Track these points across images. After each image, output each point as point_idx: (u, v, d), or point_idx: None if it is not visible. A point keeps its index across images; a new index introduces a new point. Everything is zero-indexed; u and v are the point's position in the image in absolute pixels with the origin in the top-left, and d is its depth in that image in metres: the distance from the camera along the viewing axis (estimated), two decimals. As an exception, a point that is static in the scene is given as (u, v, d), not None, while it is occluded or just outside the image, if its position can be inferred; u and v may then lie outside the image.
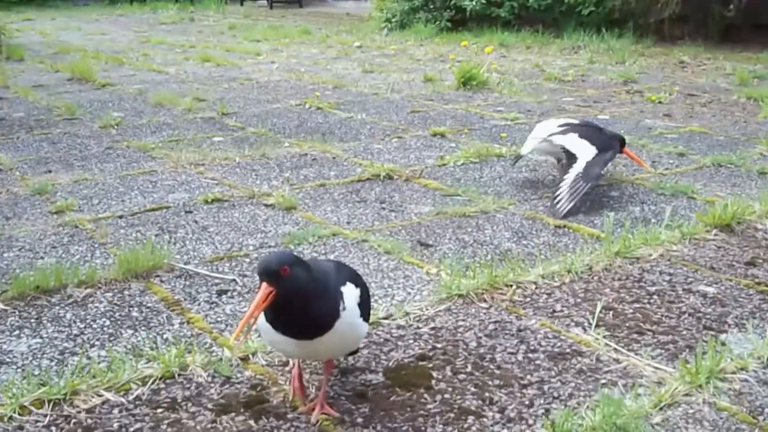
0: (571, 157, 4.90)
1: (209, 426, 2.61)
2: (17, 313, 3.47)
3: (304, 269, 2.42)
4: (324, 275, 2.51)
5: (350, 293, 2.54)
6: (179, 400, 2.77)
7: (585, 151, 4.89)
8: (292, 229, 4.33)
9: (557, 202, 4.67)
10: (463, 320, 3.30)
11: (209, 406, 2.72)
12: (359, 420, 2.62)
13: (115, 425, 2.64)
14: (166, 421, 2.65)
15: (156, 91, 9.02)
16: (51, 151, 6.47)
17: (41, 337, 3.25)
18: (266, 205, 4.80)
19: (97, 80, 10.00)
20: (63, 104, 8.42)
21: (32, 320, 3.39)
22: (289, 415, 2.66)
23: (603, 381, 2.85)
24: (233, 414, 2.67)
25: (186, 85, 9.66)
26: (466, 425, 2.59)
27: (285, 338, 2.49)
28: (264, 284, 2.35)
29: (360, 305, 2.58)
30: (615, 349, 3.07)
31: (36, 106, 8.65)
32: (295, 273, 2.39)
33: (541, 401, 2.73)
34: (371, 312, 2.93)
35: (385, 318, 3.29)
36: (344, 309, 2.48)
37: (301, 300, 2.40)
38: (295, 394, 2.76)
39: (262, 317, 2.49)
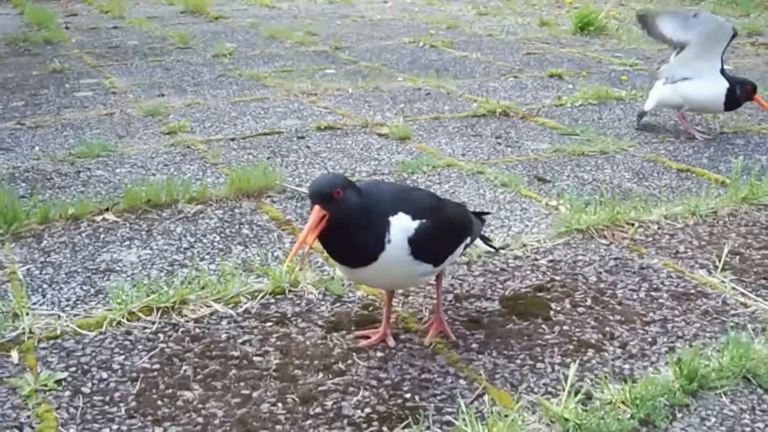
0: None
1: (319, 342, 2.53)
2: (128, 225, 3.44)
3: (355, 192, 2.25)
4: (375, 201, 2.29)
5: (400, 225, 2.28)
6: (289, 316, 2.69)
7: None
8: (406, 158, 4.22)
9: None
10: (583, 255, 3.16)
11: (319, 322, 2.64)
12: (474, 345, 2.52)
13: (223, 336, 2.58)
14: (275, 335, 2.57)
15: (268, 25, 8.98)
16: (164, 77, 6.47)
17: (151, 249, 3.21)
18: (379, 135, 4.70)
19: (209, 13, 10.01)
20: (176, 34, 8.44)
21: (143, 232, 3.36)
22: (402, 336, 2.56)
23: (730, 324, 2.68)
24: (344, 332, 2.59)
25: (298, 20, 9.60)
26: (585, 358, 2.46)
27: (337, 263, 2.36)
28: (316, 207, 2.17)
29: (416, 241, 2.29)
30: (742, 293, 2.90)
31: (150, 35, 8.69)
32: (348, 196, 2.21)
33: (665, 339, 2.59)
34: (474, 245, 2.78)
35: (502, 248, 3.16)
36: (389, 242, 2.26)
37: (350, 226, 2.22)
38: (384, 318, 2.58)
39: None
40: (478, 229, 2.70)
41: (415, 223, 2.28)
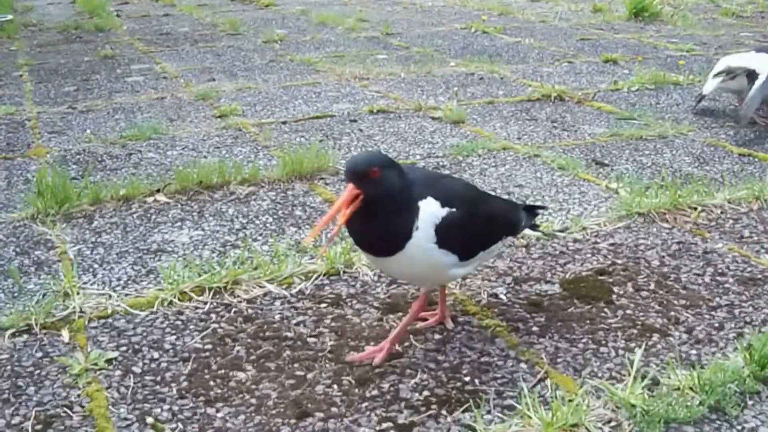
0: (752, 77, 4.53)
1: (375, 323, 2.47)
2: (179, 206, 3.40)
3: (397, 174, 2.09)
4: (408, 185, 2.12)
5: (429, 211, 2.12)
6: (344, 297, 2.63)
7: (766, 62, 4.52)
8: (461, 142, 4.14)
9: (746, 106, 4.35)
10: (644, 239, 3.06)
11: (375, 304, 2.58)
12: (534, 329, 2.44)
13: (277, 316, 2.52)
14: (329, 316, 2.51)
15: (318, 12, 8.94)
16: (215, 62, 6.44)
17: (203, 230, 3.16)
18: (433, 118, 4.63)
19: (260, 0, 9.97)
20: (226, 21, 8.42)
21: (194, 213, 3.31)
22: (460, 319, 2.49)
23: (800, 310, 2.58)
24: (400, 314, 2.52)
25: (349, 7, 9.54)
26: (650, 342, 2.37)
27: (362, 251, 2.22)
28: (350, 186, 2.02)
29: (443, 231, 2.13)
30: (811, 279, 2.79)
31: (200, 22, 8.67)
32: (387, 177, 2.06)
33: (732, 325, 2.49)
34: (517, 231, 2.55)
35: (561, 231, 3.09)
36: (417, 229, 2.10)
37: (383, 210, 2.07)
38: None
39: None
40: (525, 224, 2.53)
41: (444, 210, 2.13)
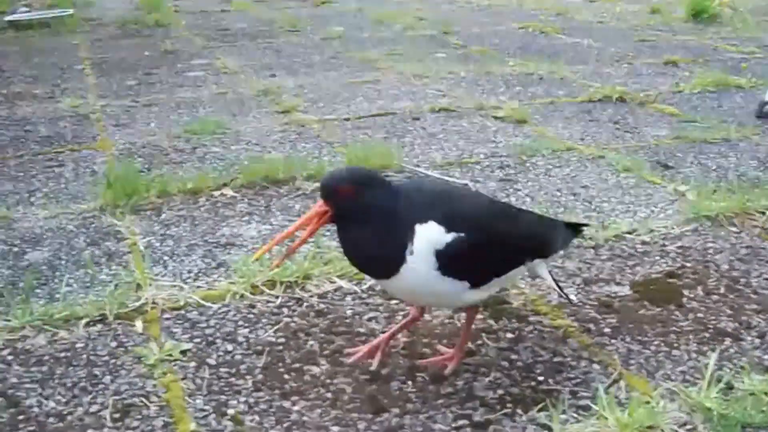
0: None
1: (447, 321, 2.48)
2: (246, 200, 3.43)
3: (378, 192, 1.97)
4: (406, 205, 1.98)
5: (426, 236, 1.96)
6: (416, 295, 2.62)
7: None
8: (524, 141, 4.14)
9: None
10: (713, 242, 3.04)
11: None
12: (606, 330, 2.43)
13: (348, 312, 2.54)
14: (401, 313, 2.52)
15: (375, 9, 8.97)
16: (274, 58, 6.48)
17: (270, 224, 3.19)
18: (495, 117, 4.63)
19: (316, -3, 10.04)
20: (284, 18, 8.48)
21: (261, 208, 3.34)
22: (531, 318, 2.48)
23: None
24: (471, 312, 2.51)
25: (404, 4, 9.56)
26: (723, 347, 2.35)
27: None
28: (320, 201, 1.98)
29: (445, 255, 1.98)
30: None
31: (257, 19, 8.73)
32: (362, 195, 1.95)
33: (804, 331, 2.46)
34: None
35: (629, 233, 3.08)
36: (411, 253, 1.95)
37: (359, 230, 1.98)
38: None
39: None
40: (562, 244, 2.38)
41: (449, 237, 1.97)
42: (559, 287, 2.41)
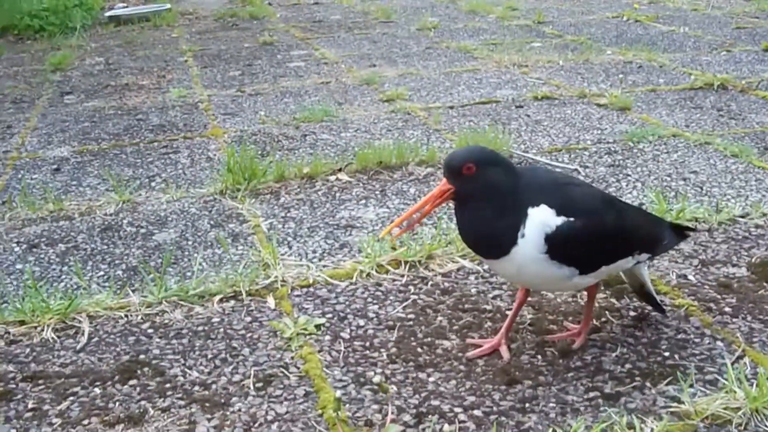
0: None
1: (570, 300, 2.57)
2: (361, 185, 3.52)
3: (499, 173, 2.02)
4: (522, 188, 2.04)
5: (539, 219, 2.01)
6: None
7: None
8: (629, 128, 4.18)
9: None
10: (828, 226, 3.05)
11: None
12: (727, 309, 2.47)
13: (473, 290, 2.62)
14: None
15: (467, 0, 8.97)
16: (372, 49, 6.57)
17: (387, 207, 3.28)
18: (598, 105, 4.66)
19: (408, -12, 10.10)
20: (377, 9, 8.55)
21: (377, 192, 3.43)
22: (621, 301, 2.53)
23: None
24: (601, 294, 2.56)
25: (496, -5, 9.56)
26: None
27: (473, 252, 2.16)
28: (444, 180, 2.03)
29: (555, 240, 2.01)
30: None
31: (351, 10, 8.83)
32: (483, 175, 2.00)
33: None
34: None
35: (742, 216, 3.11)
36: (522, 236, 2.00)
37: (475, 210, 2.02)
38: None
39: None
40: (669, 244, 2.39)
41: (559, 220, 2.01)
42: (655, 294, 2.43)
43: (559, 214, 2.01)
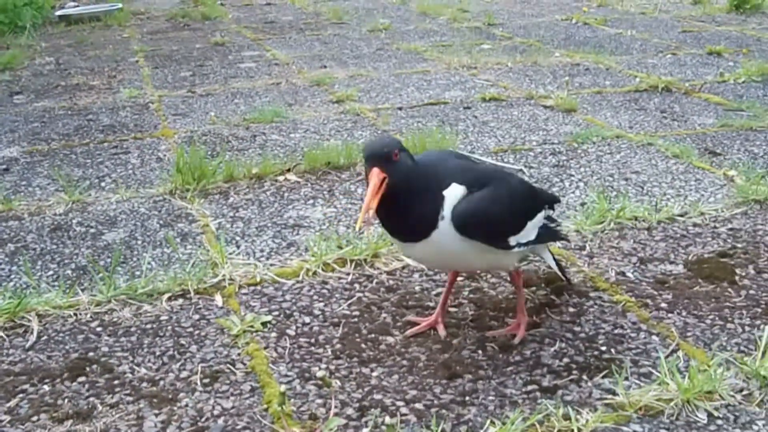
0: None
1: (511, 296, 2.61)
2: (309, 185, 3.57)
3: (409, 157, 2.08)
4: (432, 170, 2.12)
5: (453, 196, 2.09)
6: (479, 273, 2.76)
7: None
8: (575, 129, 4.26)
9: None
10: (762, 224, 3.16)
11: (509, 279, 2.70)
12: (663, 305, 2.55)
13: (417, 287, 2.68)
14: (467, 289, 2.66)
15: (419, 1, 9.07)
16: (323, 50, 6.62)
17: (335, 207, 3.33)
18: (545, 107, 4.74)
19: (359, -10, 10.17)
20: (329, 10, 8.61)
21: (324, 192, 3.48)
22: (592, 294, 2.61)
23: None
24: (534, 288, 2.65)
25: (447, -3, 9.66)
26: (775, 321, 2.46)
27: (390, 236, 2.18)
28: (375, 170, 2.00)
29: (461, 214, 2.09)
30: None
31: (303, 11, 8.87)
32: (404, 159, 2.05)
33: None
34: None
35: (681, 215, 3.19)
36: (442, 218, 2.06)
37: (404, 192, 2.04)
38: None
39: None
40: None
41: (466, 192, 2.10)
42: (561, 268, 2.56)
43: (468, 189, 2.10)
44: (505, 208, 2.17)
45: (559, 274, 2.56)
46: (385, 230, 2.21)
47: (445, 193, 2.07)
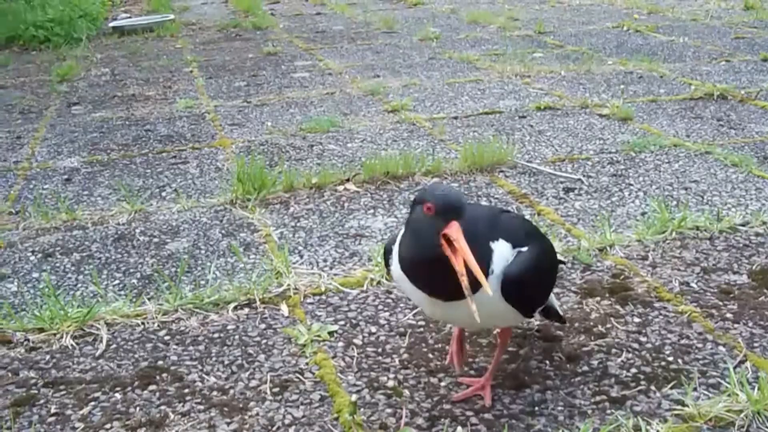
0: None
1: (575, 306, 2.61)
2: (369, 194, 3.59)
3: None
4: (476, 222, 1.86)
5: (503, 254, 1.91)
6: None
7: None
8: (631, 138, 4.25)
9: None
10: (826, 235, 3.12)
11: (573, 289, 2.72)
12: (728, 315, 2.54)
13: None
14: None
15: (468, 10, 9.09)
16: (375, 59, 6.65)
17: (395, 217, 3.34)
18: (600, 115, 4.73)
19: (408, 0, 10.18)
20: (379, 19, 8.64)
21: (384, 202, 3.50)
22: (656, 304, 2.61)
23: None
24: (598, 298, 2.65)
25: (497, 5, 9.66)
26: None
27: (419, 292, 1.94)
28: (455, 224, 1.78)
29: (512, 277, 1.90)
30: None
31: (353, 21, 8.91)
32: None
33: None
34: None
35: (742, 225, 3.18)
36: (492, 272, 1.87)
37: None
38: (451, 359, 2.26)
39: (395, 260, 1.99)
40: None
41: (515, 252, 1.93)
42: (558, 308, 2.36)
43: (514, 246, 1.93)
44: (547, 276, 2.12)
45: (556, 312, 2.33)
46: (418, 292, 1.95)
47: (494, 246, 1.90)
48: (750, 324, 2.48)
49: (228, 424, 2.10)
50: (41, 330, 2.58)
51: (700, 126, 4.49)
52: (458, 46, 7.08)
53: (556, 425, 2.03)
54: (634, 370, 2.25)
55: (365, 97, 5.31)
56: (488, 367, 2.24)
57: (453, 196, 1.82)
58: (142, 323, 2.62)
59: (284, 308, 2.67)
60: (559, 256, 2.31)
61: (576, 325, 2.48)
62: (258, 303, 2.70)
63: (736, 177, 3.68)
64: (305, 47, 7.42)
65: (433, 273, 1.85)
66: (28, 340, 2.54)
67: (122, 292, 2.81)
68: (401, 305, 2.63)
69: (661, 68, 5.97)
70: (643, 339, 2.40)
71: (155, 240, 3.25)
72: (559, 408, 2.10)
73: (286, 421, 2.10)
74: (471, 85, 5.56)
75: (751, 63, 6.15)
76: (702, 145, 4.13)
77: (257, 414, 2.14)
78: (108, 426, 2.12)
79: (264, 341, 2.48)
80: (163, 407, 2.19)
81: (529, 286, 1.96)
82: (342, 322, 2.56)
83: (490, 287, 1.80)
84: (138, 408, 2.19)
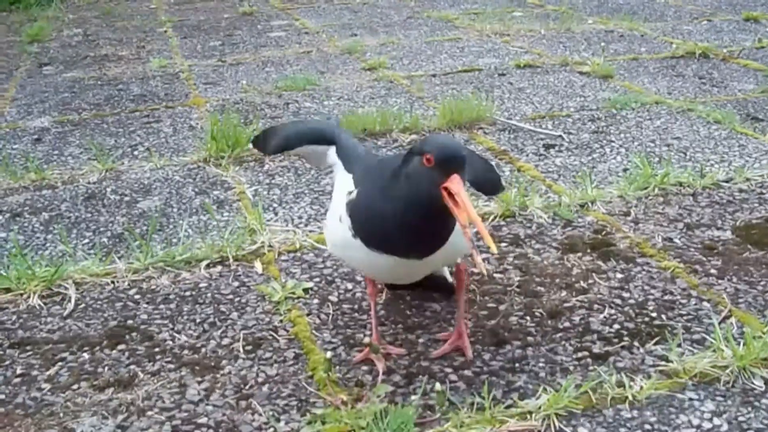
0: None
1: (556, 262, 2.55)
2: (345, 152, 3.49)
3: None
4: None
5: None
6: (522, 237, 2.72)
7: None
8: (612, 95, 4.18)
9: None
10: (810, 190, 3.07)
11: (553, 245, 2.66)
12: (712, 271, 2.49)
13: (460, 254, 2.60)
14: (511, 255, 2.60)
15: (449, -30, 8.95)
16: (353, 19, 6.55)
17: (373, 174, 3.25)
18: (581, 73, 4.67)
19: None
20: (358, -21, 8.49)
21: (361, 159, 3.40)
22: (639, 260, 2.55)
23: None
24: (580, 254, 2.60)
25: (476, -34, 9.53)
26: (830, 287, 2.39)
27: (382, 256, 1.84)
28: (456, 177, 1.66)
29: None
30: None
31: (331, -20, 8.76)
32: None
33: None
34: None
35: (726, 181, 3.12)
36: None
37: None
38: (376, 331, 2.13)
39: (342, 228, 1.91)
40: None
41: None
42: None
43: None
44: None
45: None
46: (398, 250, 1.83)
47: None
48: (734, 280, 2.43)
49: (199, 383, 2.03)
50: (8, 290, 2.50)
51: (681, 84, 4.43)
52: (437, 6, 7.00)
53: (537, 381, 1.97)
54: (616, 326, 2.19)
55: (342, 56, 5.23)
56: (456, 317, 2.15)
57: (454, 147, 1.71)
58: (112, 282, 2.54)
59: (258, 266, 2.59)
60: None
61: (557, 280, 2.42)
62: (231, 261, 2.63)
63: (719, 134, 3.62)
64: (282, 7, 7.31)
65: (423, 229, 1.76)
66: (-6, 300, 2.45)
67: (92, 251, 2.73)
68: (378, 262, 2.55)
69: (642, 27, 5.90)
70: (625, 295, 2.35)
71: (126, 198, 3.17)
72: (541, 364, 2.04)
73: (260, 379, 2.03)
74: (450, 43, 5.49)
75: (733, 22, 6.09)
76: (684, 102, 4.07)
77: (229, 372, 2.07)
78: (75, 386, 2.05)
79: (237, 299, 2.41)
80: (132, 366, 2.12)
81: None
82: (317, 279, 2.49)
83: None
84: (107, 368, 2.12)
